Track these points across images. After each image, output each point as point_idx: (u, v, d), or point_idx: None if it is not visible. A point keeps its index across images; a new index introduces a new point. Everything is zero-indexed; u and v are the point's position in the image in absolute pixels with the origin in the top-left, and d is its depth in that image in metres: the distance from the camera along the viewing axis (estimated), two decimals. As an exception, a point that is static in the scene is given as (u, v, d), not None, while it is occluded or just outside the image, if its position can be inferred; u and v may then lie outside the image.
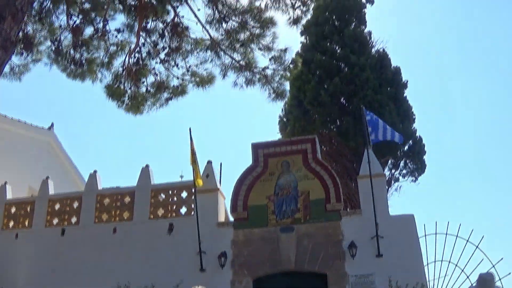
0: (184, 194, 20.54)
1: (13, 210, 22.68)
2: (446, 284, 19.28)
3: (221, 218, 20.01)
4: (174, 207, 20.54)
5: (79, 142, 55.97)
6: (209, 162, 20.61)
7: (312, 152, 19.61)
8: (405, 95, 26.49)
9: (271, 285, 18.53)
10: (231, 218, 19.91)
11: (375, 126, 18.70)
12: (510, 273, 17.94)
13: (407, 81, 26.95)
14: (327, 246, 18.33)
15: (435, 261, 19.56)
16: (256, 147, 20.13)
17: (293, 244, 18.52)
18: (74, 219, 21.52)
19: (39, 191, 22.82)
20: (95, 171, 22.15)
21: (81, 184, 28.09)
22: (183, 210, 20.39)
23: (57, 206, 22.00)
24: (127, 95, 17.26)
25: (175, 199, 20.65)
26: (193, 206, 19.72)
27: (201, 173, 19.62)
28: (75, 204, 21.74)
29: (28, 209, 22.37)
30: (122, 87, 17.16)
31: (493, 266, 18.74)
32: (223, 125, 62.42)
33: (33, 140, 27.94)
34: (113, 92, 17.13)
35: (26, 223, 22.20)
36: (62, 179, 27.27)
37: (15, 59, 16.46)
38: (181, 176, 21.06)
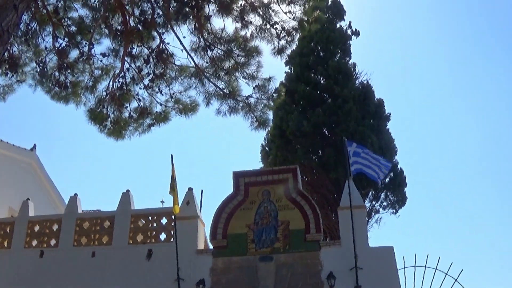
0: (164, 221, 20.49)
1: (-9, 230, 22.50)
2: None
3: (201, 246, 19.92)
4: (154, 233, 20.48)
5: (61, 164, 55.86)
6: (190, 189, 20.55)
7: (293, 182, 19.68)
8: (387, 127, 26.67)
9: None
10: (211, 246, 19.86)
11: (362, 157, 18.78)
12: None
13: (390, 114, 27.30)
14: (306, 276, 18.29)
15: None
16: (237, 176, 20.16)
17: (272, 273, 18.46)
18: (53, 242, 21.37)
19: (19, 212, 22.67)
20: (75, 194, 22.06)
21: (61, 206, 27.93)
22: (163, 236, 20.32)
23: (36, 228, 21.84)
24: (109, 119, 17.23)
25: (155, 225, 20.61)
26: (172, 232, 19.66)
27: (182, 200, 19.72)
28: (55, 227, 21.59)
29: (8, 229, 22.21)
30: (105, 111, 17.14)
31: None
32: (205, 152, 62.53)
33: (15, 160, 27.74)
34: (96, 116, 17.11)
35: (5, 244, 22.04)
36: (42, 200, 27.16)
37: (0, 79, 16.45)
38: (162, 202, 21.10)
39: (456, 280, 19.25)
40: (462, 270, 19.37)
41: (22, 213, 22.45)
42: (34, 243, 21.66)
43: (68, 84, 16.69)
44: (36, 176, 29.11)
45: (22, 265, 20.97)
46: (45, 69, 16.46)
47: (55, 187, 30.13)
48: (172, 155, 19.02)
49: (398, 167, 26.34)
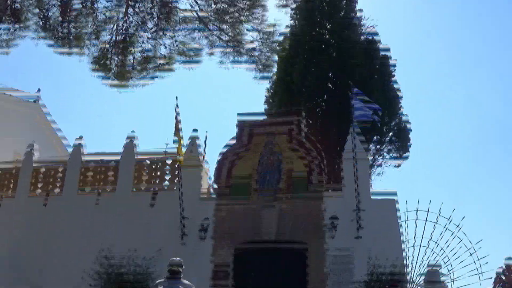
0: (167, 168, 20.66)
1: (-4, 177, 22.73)
2: (426, 264, 19.50)
3: (204, 193, 20.16)
4: (157, 181, 20.65)
5: (65, 109, 55.82)
6: (194, 138, 20.69)
7: (297, 130, 19.79)
8: (392, 83, 26.57)
9: (251, 258, 18.77)
10: (214, 193, 20.10)
11: (363, 106, 18.72)
12: (488, 254, 18.15)
13: (395, 67, 27.05)
14: (308, 223, 18.58)
15: (414, 239, 19.70)
16: (241, 124, 20.27)
17: (275, 220, 18.75)
18: (57, 190, 21.66)
19: (24, 159, 22.85)
20: (80, 140, 22.20)
21: (66, 152, 28.07)
22: (166, 184, 20.51)
23: (41, 176, 22.11)
24: (113, 71, 17.19)
25: (159, 172, 20.76)
26: (176, 180, 19.83)
27: (186, 143, 19.98)
28: (59, 175, 21.84)
29: (12, 178, 22.50)
30: (108, 63, 17.08)
31: (473, 246, 18.95)
32: (209, 100, 62.30)
33: (19, 106, 27.86)
34: (99, 67, 17.08)
35: (9, 193, 22.30)
36: (47, 145, 27.27)
37: (3, 33, 16.39)
38: (165, 152, 21.07)
39: (457, 226, 19.38)
40: (464, 217, 19.50)
41: (26, 161, 22.65)
42: (38, 191, 21.91)
43: (71, 37, 16.62)
44: (40, 123, 29.21)
45: (26, 213, 21.32)
46: (48, 22, 16.39)
47: (59, 134, 30.28)
48: (176, 97, 19.00)
49: (403, 117, 26.36)
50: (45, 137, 28.86)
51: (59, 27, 16.33)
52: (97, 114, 59.17)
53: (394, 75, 27.06)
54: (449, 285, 18.04)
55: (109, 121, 60.51)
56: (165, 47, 16.91)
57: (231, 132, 20.51)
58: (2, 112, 26.60)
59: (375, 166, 26.59)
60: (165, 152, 21.19)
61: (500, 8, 56.43)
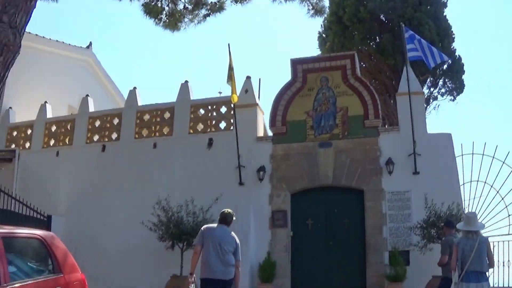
0: (223, 109, 20.61)
1: (53, 128, 23.13)
2: (481, 205, 19.28)
3: (260, 133, 20.10)
4: (214, 122, 20.67)
5: (118, 60, 56.17)
6: (248, 78, 20.53)
7: (351, 68, 19.47)
8: (444, 14, 25.99)
9: (308, 199, 18.79)
10: (270, 134, 20.05)
11: (417, 45, 18.47)
12: None
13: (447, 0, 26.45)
14: (364, 162, 18.47)
15: (471, 181, 19.43)
16: (295, 63, 20.01)
17: (331, 159, 18.67)
18: (114, 135, 21.89)
19: (79, 108, 23.16)
20: (134, 88, 22.28)
21: (120, 101, 28.33)
22: (222, 125, 20.50)
23: (97, 123, 22.32)
24: (164, 12, 17.14)
25: (215, 114, 20.74)
26: (232, 121, 19.80)
27: (240, 89, 19.84)
28: (115, 121, 22.02)
29: (69, 127, 22.73)
30: (159, 4, 17.06)
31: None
32: (262, 42, 61.96)
33: (72, 59, 28.04)
34: (151, 9, 16.97)
35: (67, 141, 22.60)
36: (101, 97, 27.49)
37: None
38: (220, 92, 21.07)
39: (514, 166, 19.09)
40: (519, 158, 19.19)
41: (82, 110, 22.93)
42: (96, 138, 22.17)
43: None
44: (94, 74, 29.47)
45: (84, 160, 21.63)
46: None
47: (113, 83, 30.52)
48: (229, 44, 18.85)
49: (456, 54, 25.75)
50: (100, 88, 29.12)
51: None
52: (150, 67, 59.29)
53: (447, 5, 26.23)
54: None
55: (161, 73, 60.60)
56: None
57: (284, 79, 20.37)
58: (58, 61, 26.80)
59: (431, 100, 26.09)
60: (220, 92, 21.16)
61: None
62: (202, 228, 10.52)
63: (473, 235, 10.45)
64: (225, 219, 10.42)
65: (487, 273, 10.56)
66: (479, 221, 12.51)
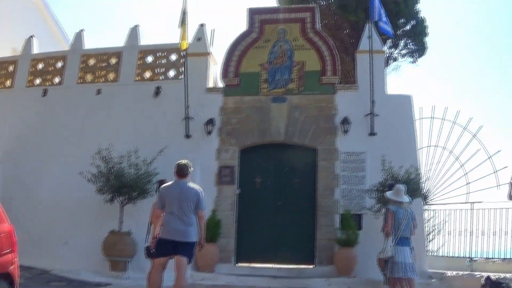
0: (173, 57, 19.67)
1: (-7, 70, 21.87)
2: (440, 170, 18.96)
3: (211, 84, 19.31)
4: (162, 70, 19.70)
5: (67, 2, 54.54)
6: (202, 26, 19.61)
7: (311, 22, 18.70)
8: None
9: (258, 156, 18.16)
10: (221, 85, 19.21)
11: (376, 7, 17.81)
12: (506, 167, 17.45)
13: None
14: (319, 119, 17.82)
15: (429, 146, 19.22)
16: (252, 12, 19.15)
17: (284, 115, 17.97)
18: (57, 79, 20.73)
19: (22, 49, 21.88)
20: (81, 30, 21.13)
21: (66, 45, 27.11)
22: (172, 73, 19.54)
23: (40, 66, 21.16)
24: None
25: (164, 61, 19.77)
26: (182, 69, 18.83)
27: (193, 37, 19.01)
28: (59, 64, 20.87)
29: (10, 68, 21.51)
30: None
31: (489, 157, 18.32)
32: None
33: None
34: None
35: (8, 83, 21.37)
36: (47, 39, 26.20)
37: None
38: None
39: (474, 136, 18.74)
40: (481, 126, 18.82)
41: (25, 51, 21.70)
42: (38, 81, 21.02)
43: None
44: (41, 15, 28.12)
45: (25, 104, 20.45)
46: None
47: (60, 26, 29.21)
48: (183, -16, 17.94)
49: (420, 15, 25.05)
50: (46, 31, 27.78)
51: None
52: (101, 8, 57.82)
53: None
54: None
55: (112, 16, 59.18)
56: None
57: (241, 29, 19.44)
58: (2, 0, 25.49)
59: (391, 60, 25.45)
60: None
61: None
62: (159, 189, 10.44)
63: (405, 205, 12.07)
64: (181, 171, 10.17)
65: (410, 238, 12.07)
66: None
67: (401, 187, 12.30)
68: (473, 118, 18.95)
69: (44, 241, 17.62)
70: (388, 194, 12.39)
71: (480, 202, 17.52)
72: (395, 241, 11.76)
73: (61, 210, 18.11)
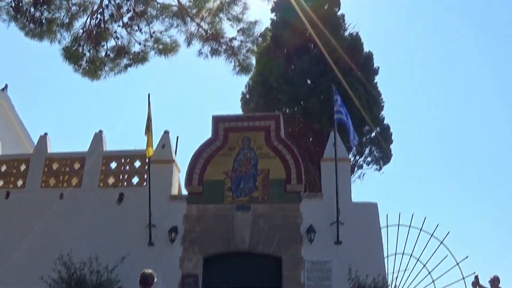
0: (137, 164, 19.72)
1: (-42, 171, 21.56)
2: (407, 278, 18.93)
3: (175, 192, 19.22)
4: (126, 176, 19.69)
5: (33, 106, 54.53)
6: (166, 132, 19.74)
7: (275, 130, 18.95)
8: (375, 81, 25.80)
9: (222, 265, 17.89)
10: (185, 193, 19.08)
11: (342, 112, 18.08)
12: (474, 272, 17.43)
13: (379, 67, 26.35)
14: (284, 228, 17.74)
15: (395, 254, 19.23)
16: (216, 120, 19.33)
17: (249, 223, 17.89)
18: (20, 182, 20.53)
19: (-15, 152, 21.68)
20: (45, 134, 21.13)
21: (31, 149, 27.01)
22: (135, 180, 19.57)
23: (3, 168, 21.01)
24: (85, 58, 16.27)
25: (128, 168, 19.80)
26: (146, 176, 18.88)
27: (157, 143, 19.02)
28: (22, 167, 20.75)
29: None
30: (80, 50, 16.17)
31: (457, 264, 18.37)
32: (183, 97, 61.28)
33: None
34: (71, 54, 16.12)
35: (-29, 186, 21.08)
36: (12, 142, 26.19)
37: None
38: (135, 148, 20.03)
39: (441, 242, 18.84)
40: (448, 233, 18.94)
41: (-13, 153, 21.43)
42: (0, 183, 20.77)
43: (44, 20, 15.68)
44: (6, 117, 28.09)
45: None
46: (20, 4, 15.48)
47: (25, 129, 29.12)
48: (149, 94, 18.24)
49: (385, 122, 25.51)
50: (11, 130, 27.73)
51: (32, 9, 15.44)
52: (65, 114, 57.84)
53: (378, 73, 26.15)
54: None
55: (77, 121, 59.18)
56: (142, 33, 16.10)
57: (205, 136, 19.69)
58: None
59: (355, 171, 25.68)
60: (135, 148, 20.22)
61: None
62: None
63: None
64: (145, 281, 9.87)
65: None
66: None
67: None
68: (440, 224, 19.05)
69: None
70: None
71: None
72: None
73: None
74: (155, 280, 9.98)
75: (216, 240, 17.91)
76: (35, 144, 21.88)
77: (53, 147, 21.23)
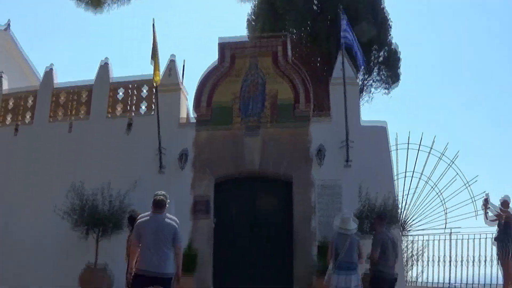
0: (144, 91, 19.55)
1: (-38, 108, 21.47)
2: (416, 199, 18.88)
3: (183, 118, 19.19)
4: (134, 105, 19.56)
5: (37, 40, 54.34)
6: (172, 59, 19.48)
7: (282, 53, 18.65)
8: (382, 6, 25.38)
9: (233, 187, 17.97)
10: (194, 120, 19.00)
11: (349, 34, 17.77)
12: (485, 191, 17.37)
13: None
14: (293, 150, 17.71)
15: (405, 173, 19.12)
16: (223, 46, 18.98)
17: (258, 146, 17.83)
18: (28, 117, 20.47)
19: (-9, 86, 21.52)
20: (51, 66, 20.88)
21: (37, 83, 26.90)
22: (143, 108, 19.44)
23: (10, 103, 20.95)
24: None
25: (135, 96, 19.65)
26: (153, 103, 18.68)
27: (164, 70, 18.76)
28: (30, 101, 20.64)
29: (-21, 109, 21.18)
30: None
31: (466, 184, 18.31)
32: (189, 24, 60.95)
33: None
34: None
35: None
36: (17, 78, 26.00)
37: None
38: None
39: (450, 164, 18.74)
40: (458, 152, 18.81)
41: (-6, 87, 21.32)
42: (8, 119, 20.79)
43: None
44: (10, 54, 27.93)
45: (-4, 142, 20.06)
46: None
47: (30, 63, 29.02)
48: (153, 19, 17.89)
49: (393, 46, 25.18)
50: (17, 67, 27.56)
51: None
52: (70, 46, 57.69)
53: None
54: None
55: (82, 52, 59.02)
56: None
57: (211, 60, 19.28)
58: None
59: (364, 93, 25.42)
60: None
61: None
62: (136, 222, 9.99)
63: (346, 234, 12.28)
64: (158, 205, 9.90)
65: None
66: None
67: (347, 216, 12.65)
68: (450, 144, 18.91)
69: (21, 280, 17.27)
70: (336, 224, 12.67)
71: (458, 228, 17.50)
72: (335, 266, 12.26)
73: (35, 250, 17.76)
74: (167, 201, 10.02)
75: (226, 163, 17.91)
76: (42, 77, 21.66)
77: (59, 79, 21.02)
